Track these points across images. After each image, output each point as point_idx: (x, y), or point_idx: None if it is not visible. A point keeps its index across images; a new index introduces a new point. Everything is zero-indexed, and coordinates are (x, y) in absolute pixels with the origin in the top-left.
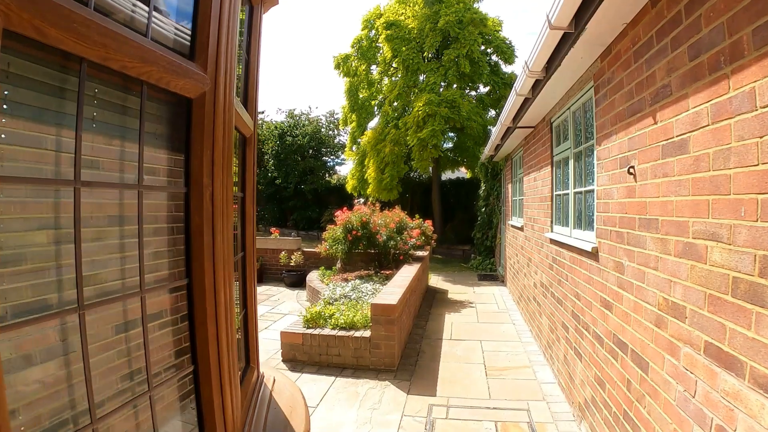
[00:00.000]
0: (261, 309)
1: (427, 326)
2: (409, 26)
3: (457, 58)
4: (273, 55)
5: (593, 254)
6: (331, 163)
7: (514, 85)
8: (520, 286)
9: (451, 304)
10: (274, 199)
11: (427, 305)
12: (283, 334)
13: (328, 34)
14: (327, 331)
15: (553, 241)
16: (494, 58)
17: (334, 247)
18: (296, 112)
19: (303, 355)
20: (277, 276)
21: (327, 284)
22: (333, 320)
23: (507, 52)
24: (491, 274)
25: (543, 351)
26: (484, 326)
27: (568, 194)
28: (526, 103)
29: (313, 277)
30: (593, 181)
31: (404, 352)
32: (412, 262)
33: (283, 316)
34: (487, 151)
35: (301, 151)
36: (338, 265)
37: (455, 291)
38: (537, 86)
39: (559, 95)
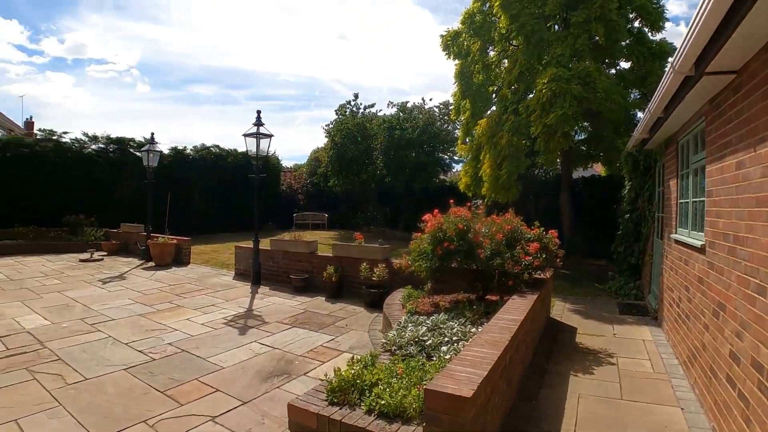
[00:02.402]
0: (316, 339)
1: (539, 401)
2: None
3: (588, 22)
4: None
5: None
6: (447, 160)
7: None
8: (694, 342)
9: (579, 355)
10: (384, 198)
11: (544, 354)
12: (292, 408)
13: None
14: (357, 417)
15: None
16: (636, 24)
17: (417, 263)
18: (409, 105)
19: None
20: (359, 291)
21: (406, 311)
22: (372, 395)
23: (653, 14)
24: (637, 304)
25: None
26: (632, 409)
27: None
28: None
29: (395, 299)
30: None
31: None
32: (524, 291)
33: (338, 354)
34: (637, 133)
35: (412, 146)
36: (429, 285)
37: (587, 330)
38: None
39: None
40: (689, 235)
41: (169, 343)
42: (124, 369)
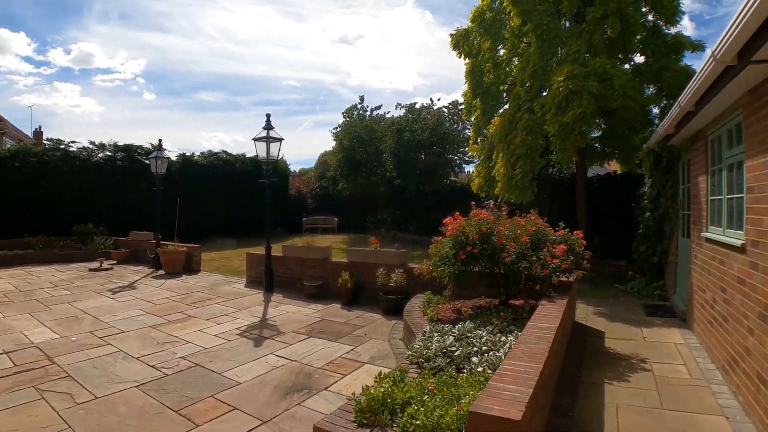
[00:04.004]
0: (335, 350)
1: (576, 414)
2: None
3: (605, 18)
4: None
5: None
6: (457, 161)
7: None
8: (735, 346)
9: (610, 361)
10: (395, 201)
11: (575, 361)
12: None
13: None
14: None
15: None
16: (650, 18)
17: (439, 269)
18: (417, 107)
19: None
20: (375, 298)
21: (428, 319)
22: (405, 416)
23: (669, 8)
24: (663, 305)
25: None
26: (675, 420)
27: None
28: None
29: (414, 306)
30: None
31: None
32: (553, 296)
33: (359, 366)
34: (662, 129)
35: (422, 148)
36: (449, 291)
37: (615, 334)
38: None
39: None
40: (724, 233)
41: (182, 357)
42: (136, 386)
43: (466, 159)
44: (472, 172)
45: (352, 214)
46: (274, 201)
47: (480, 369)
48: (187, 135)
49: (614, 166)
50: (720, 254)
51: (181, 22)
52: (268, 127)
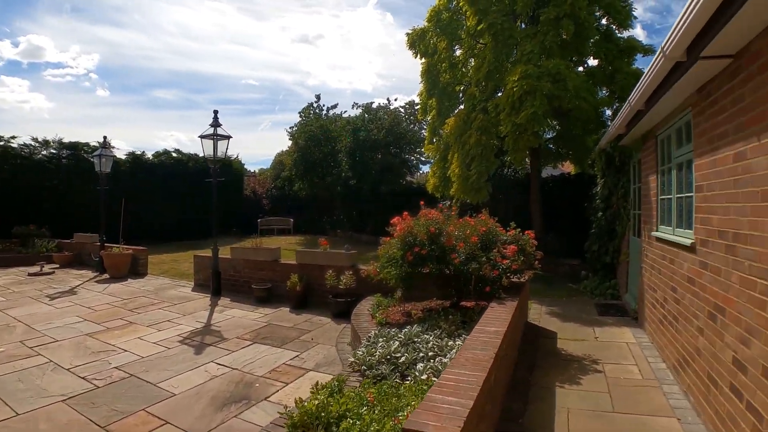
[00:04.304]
0: (279, 357)
1: (526, 419)
2: None
3: (558, 20)
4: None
5: None
6: (414, 161)
7: None
8: (685, 345)
9: (563, 362)
10: (351, 201)
11: (526, 365)
12: None
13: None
14: None
15: None
16: (604, 22)
17: (386, 271)
18: (374, 106)
19: None
20: (325, 301)
21: (376, 322)
22: (340, 431)
23: (622, 13)
24: (615, 304)
25: None
26: (626, 423)
27: None
28: None
29: (363, 308)
30: None
31: None
32: (504, 298)
33: (303, 373)
34: (613, 129)
35: (378, 147)
36: (399, 292)
37: (567, 335)
38: None
39: None
40: (674, 232)
41: (116, 367)
42: (63, 400)
43: (423, 159)
44: (428, 172)
45: (308, 214)
46: (228, 202)
47: (424, 377)
48: (142, 133)
49: (568, 168)
50: (670, 253)
51: (137, 17)
52: (216, 124)
